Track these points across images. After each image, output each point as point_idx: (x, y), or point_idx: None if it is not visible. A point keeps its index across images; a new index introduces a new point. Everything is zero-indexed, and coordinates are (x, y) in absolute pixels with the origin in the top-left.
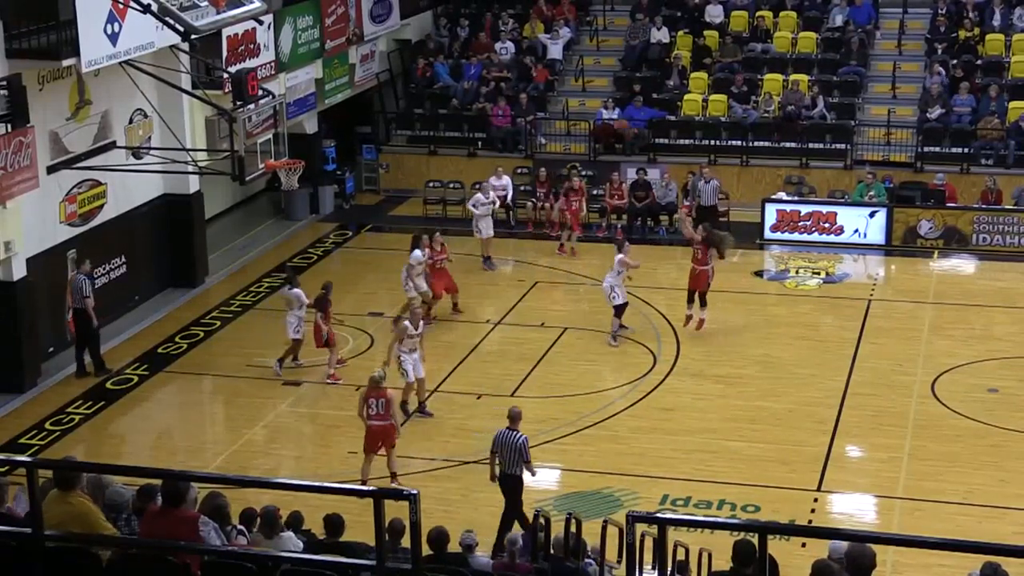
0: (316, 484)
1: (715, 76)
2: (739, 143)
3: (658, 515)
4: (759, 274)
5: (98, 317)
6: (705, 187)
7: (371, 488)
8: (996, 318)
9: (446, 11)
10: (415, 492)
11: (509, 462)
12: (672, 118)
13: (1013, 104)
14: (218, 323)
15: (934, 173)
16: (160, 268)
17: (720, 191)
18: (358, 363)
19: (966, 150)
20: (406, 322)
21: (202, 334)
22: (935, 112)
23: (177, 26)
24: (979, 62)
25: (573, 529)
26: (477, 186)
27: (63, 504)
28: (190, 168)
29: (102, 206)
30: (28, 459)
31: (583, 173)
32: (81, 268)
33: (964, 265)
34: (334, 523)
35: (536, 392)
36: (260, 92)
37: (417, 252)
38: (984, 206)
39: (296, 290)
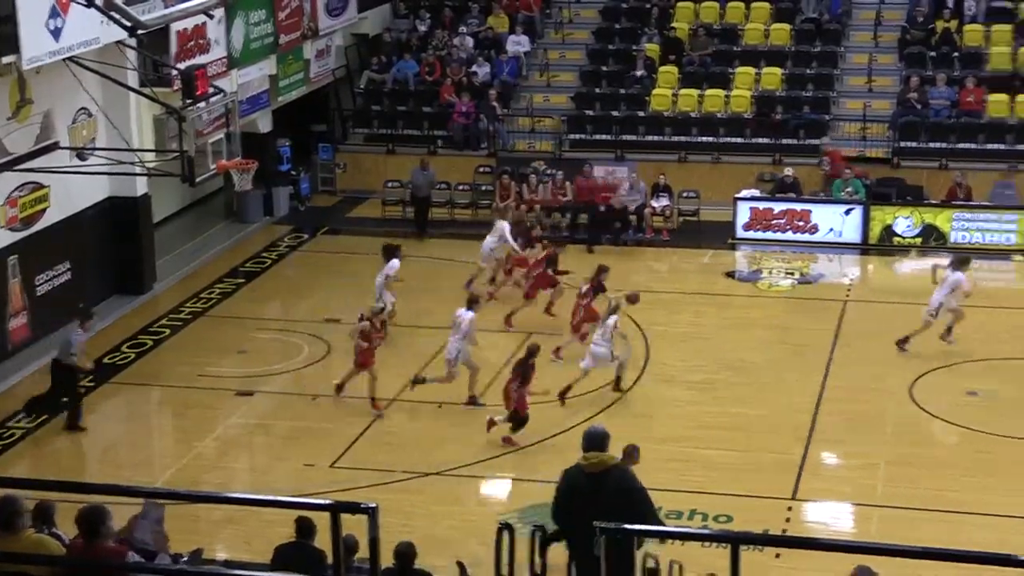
0: (271, 498)
1: (685, 70)
2: (710, 139)
3: (626, 526)
4: (731, 275)
5: (40, 326)
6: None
7: (328, 502)
8: (975, 318)
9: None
10: (373, 506)
11: None
12: (641, 113)
13: (993, 97)
14: (167, 331)
15: (912, 169)
16: (106, 274)
17: (433, 183)
18: (313, 371)
19: (943, 145)
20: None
21: (151, 343)
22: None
23: (123, 21)
24: (956, 54)
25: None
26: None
27: (15, 547)
28: (137, 169)
29: (45, 210)
30: None
31: (548, 172)
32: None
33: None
34: (304, 527)
35: (500, 400)
36: (211, 90)
37: (395, 262)
38: (958, 202)
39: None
